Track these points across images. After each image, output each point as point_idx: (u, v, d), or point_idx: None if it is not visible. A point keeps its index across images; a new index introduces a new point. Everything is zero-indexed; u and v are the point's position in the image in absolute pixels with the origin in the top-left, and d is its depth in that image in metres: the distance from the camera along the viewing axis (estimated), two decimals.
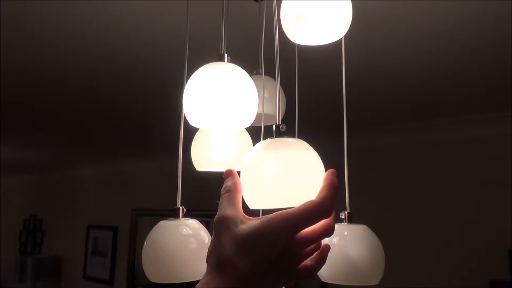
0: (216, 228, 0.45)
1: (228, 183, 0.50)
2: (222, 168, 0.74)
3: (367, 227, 0.67)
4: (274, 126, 0.55)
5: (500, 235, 1.85)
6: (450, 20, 1.04)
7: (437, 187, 2.08)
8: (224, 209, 0.46)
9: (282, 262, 0.44)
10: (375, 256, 0.64)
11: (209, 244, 0.49)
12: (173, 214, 0.63)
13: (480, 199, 1.94)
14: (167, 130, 2.27)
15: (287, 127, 0.56)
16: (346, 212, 0.67)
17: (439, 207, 2.06)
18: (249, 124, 0.62)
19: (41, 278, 4.39)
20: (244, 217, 0.46)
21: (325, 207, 0.44)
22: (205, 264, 0.59)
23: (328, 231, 0.45)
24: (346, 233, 0.65)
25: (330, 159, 0.89)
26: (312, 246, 0.47)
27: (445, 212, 2.03)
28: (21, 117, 2.29)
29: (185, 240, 0.59)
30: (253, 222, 0.44)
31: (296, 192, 0.49)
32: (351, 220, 0.67)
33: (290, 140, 0.53)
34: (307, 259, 0.47)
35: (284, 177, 0.49)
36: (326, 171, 0.51)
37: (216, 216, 0.46)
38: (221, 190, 0.50)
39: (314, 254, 0.48)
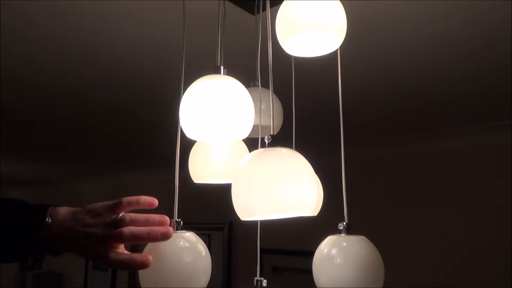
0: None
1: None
2: (219, 180, 0.74)
3: (366, 238, 0.66)
4: (266, 137, 0.55)
5: (501, 244, 1.83)
6: (448, 25, 1.03)
7: (438, 196, 2.07)
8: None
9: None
10: (374, 267, 0.63)
11: (205, 257, 0.58)
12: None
13: (482, 207, 1.93)
14: (168, 143, 2.27)
15: (284, 138, 0.57)
16: (344, 223, 0.66)
17: (440, 215, 2.05)
18: (245, 136, 0.63)
19: None
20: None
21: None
22: (202, 277, 0.59)
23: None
24: (344, 244, 0.65)
25: (329, 170, 0.89)
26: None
27: (446, 220, 2.02)
28: (21, 130, 2.29)
29: (181, 253, 0.59)
30: None
31: (285, 201, 0.49)
32: (349, 231, 0.66)
33: (283, 150, 0.53)
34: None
35: (272, 186, 0.49)
36: (321, 182, 0.52)
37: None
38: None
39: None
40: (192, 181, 0.77)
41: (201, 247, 0.61)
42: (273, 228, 0.68)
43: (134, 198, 0.63)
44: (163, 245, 0.58)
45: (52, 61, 1.30)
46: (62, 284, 4.49)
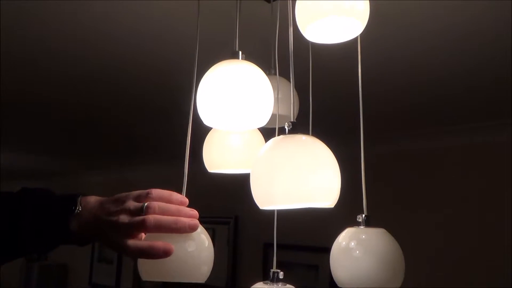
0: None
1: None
2: (235, 170, 0.72)
3: (385, 230, 0.64)
4: (286, 124, 0.54)
5: (501, 244, 1.80)
6: (464, 14, 1.00)
7: (452, 192, 2.04)
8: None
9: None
10: (394, 260, 0.61)
11: (208, 247, 0.59)
12: None
13: (483, 207, 1.90)
14: (174, 138, 2.25)
15: (301, 127, 0.55)
16: (363, 215, 0.65)
17: (440, 215, 2.02)
18: (264, 123, 0.61)
19: (47, 286, 4.36)
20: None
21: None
22: (204, 267, 0.58)
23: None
24: (363, 236, 0.63)
25: (348, 163, 0.87)
26: None
27: (446, 219, 1.99)
28: (24, 122, 2.27)
29: (184, 242, 0.56)
30: None
31: (307, 190, 0.48)
32: (368, 223, 0.65)
33: (304, 137, 0.52)
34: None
35: (295, 174, 0.48)
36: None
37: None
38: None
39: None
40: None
41: (204, 237, 0.59)
42: (279, 223, 0.67)
43: (166, 192, 0.59)
44: (165, 233, 0.56)
45: (62, 46, 1.28)
46: (67, 275, 4.51)
